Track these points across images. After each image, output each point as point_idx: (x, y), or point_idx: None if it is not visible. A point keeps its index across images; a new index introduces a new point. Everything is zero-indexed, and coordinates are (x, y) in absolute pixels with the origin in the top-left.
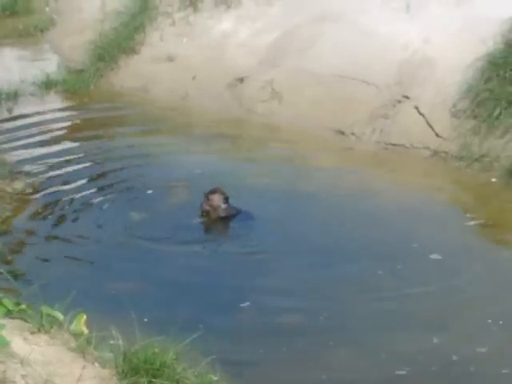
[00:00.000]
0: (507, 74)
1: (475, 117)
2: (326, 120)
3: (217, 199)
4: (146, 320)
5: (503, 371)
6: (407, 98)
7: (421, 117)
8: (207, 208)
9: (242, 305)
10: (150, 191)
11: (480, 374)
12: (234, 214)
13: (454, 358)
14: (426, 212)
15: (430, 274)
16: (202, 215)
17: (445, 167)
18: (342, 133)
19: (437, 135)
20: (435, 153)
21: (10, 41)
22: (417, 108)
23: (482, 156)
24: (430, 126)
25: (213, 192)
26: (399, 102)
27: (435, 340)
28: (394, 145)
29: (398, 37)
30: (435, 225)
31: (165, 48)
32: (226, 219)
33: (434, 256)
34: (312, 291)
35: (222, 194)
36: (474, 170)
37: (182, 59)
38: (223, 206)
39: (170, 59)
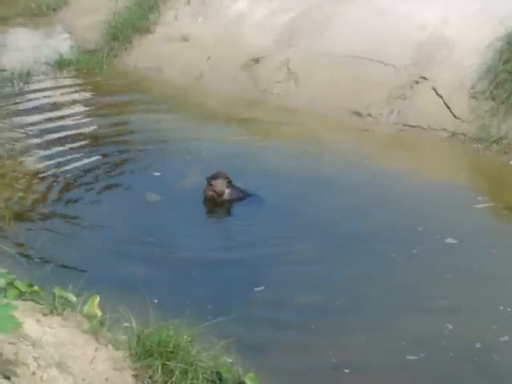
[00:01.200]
0: None
1: (494, 98)
2: (343, 101)
3: (220, 184)
4: (159, 302)
5: None
6: (425, 78)
7: (438, 98)
8: (211, 193)
9: (256, 289)
10: (157, 173)
11: (501, 361)
12: (240, 197)
13: (475, 343)
14: (443, 195)
15: (445, 258)
16: (206, 201)
17: (463, 149)
18: (359, 114)
19: (455, 117)
20: (453, 134)
21: (23, 20)
22: (434, 89)
23: (501, 138)
24: (448, 108)
25: (215, 177)
26: (417, 82)
27: (451, 324)
28: (412, 126)
29: (415, 17)
30: (452, 208)
31: (179, 28)
32: (231, 202)
33: (450, 240)
34: (325, 274)
35: (225, 177)
36: (492, 152)
37: (196, 39)
38: (227, 190)
39: (185, 39)
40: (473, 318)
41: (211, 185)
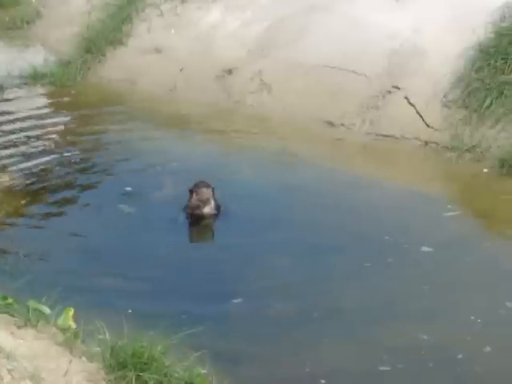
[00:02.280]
0: (498, 64)
1: (466, 107)
2: (316, 111)
3: (205, 192)
4: (133, 314)
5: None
6: (397, 88)
7: (411, 107)
8: (196, 203)
9: (232, 299)
10: (129, 186)
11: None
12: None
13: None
14: (417, 204)
15: (421, 266)
16: (191, 212)
17: (436, 158)
18: (332, 124)
19: (427, 126)
20: (426, 143)
21: None
22: (407, 98)
23: (474, 146)
24: (421, 117)
25: (200, 186)
26: (389, 92)
27: (426, 334)
28: (385, 135)
29: (387, 26)
30: (426, 216)
31: (152, 39)
32: (215, 216)
33: (425, 248)
34: (301, 285)
35: (209, 186)
36: (465, 160)
37: (169, 51)
38: (212, 200)
39: (158, 51)
40: (448, 327)
41: (197, 193)
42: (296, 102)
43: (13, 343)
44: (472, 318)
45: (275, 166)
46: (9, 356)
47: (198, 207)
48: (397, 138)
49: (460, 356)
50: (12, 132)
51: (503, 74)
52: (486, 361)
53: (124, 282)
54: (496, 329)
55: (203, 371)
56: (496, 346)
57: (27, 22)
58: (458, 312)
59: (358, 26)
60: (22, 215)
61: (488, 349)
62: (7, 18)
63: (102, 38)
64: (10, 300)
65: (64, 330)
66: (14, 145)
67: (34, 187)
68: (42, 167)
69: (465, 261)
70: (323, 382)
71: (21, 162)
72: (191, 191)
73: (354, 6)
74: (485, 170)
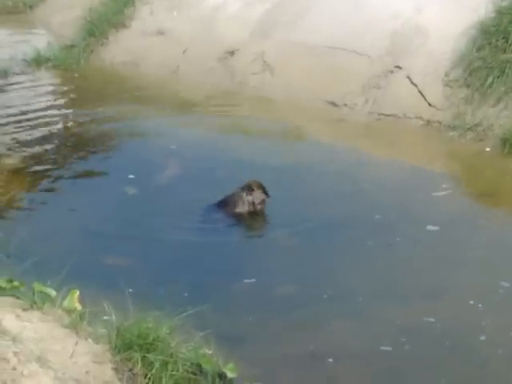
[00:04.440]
0: (499, 43)
1: (468, 86)
2: (318, 91)
3: (259, 196)
4: (139, 295)
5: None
6: (399, 68)
7: (413, 86)
8: (257, 202)
9: (235, 278)
10: (135, 166)
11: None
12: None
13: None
14: (419, 182)
15: (427, 245)
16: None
17: (438, 137)
18: (335, 104)
19: (429, 105)
20: (428, 123)
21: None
22: (409, 78)
23: (476, 125)
24: (423, 96)
25: (255, 187)
26: (391, 72)
27: (435, 312)
28: (387, 115)
29: (389, 6)
30: (429, 195)
31: (155, 22)
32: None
33: (431, 227)
34: (307, 264)
35: (266, 194)
36: (467, 139)
37: (172, 33)
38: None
39: (161, 33)
40: (455, 306)
41: (251, 195)
42: (298, 83)
43: (19, 326)
44: (478, 296)
45: (278, 147)
46: (15, 338)
47: (253, 205)
48: (399, 118)
49: (466, 336)
50: (17, 115)
51: (504, 52)
52: (494, 341)
53: (129, 262)
54: (502, 308)
55: (209, 352)
56: (503, 324)
57: (30, 7)
58: (465, 290)
59: (359, 6)
60: (27, 197)
61: (494, 328)
62: (10, 3)
63: (105, 21)
64: (15, 283)
65: (69, 311)
66: (20, 128)
67: (40, 169)
68: (46, 150)
69: (470, 239)
70: (330, 360)
71: (26, 144)
72: (245, 189)
73: None
74: (487, 149)
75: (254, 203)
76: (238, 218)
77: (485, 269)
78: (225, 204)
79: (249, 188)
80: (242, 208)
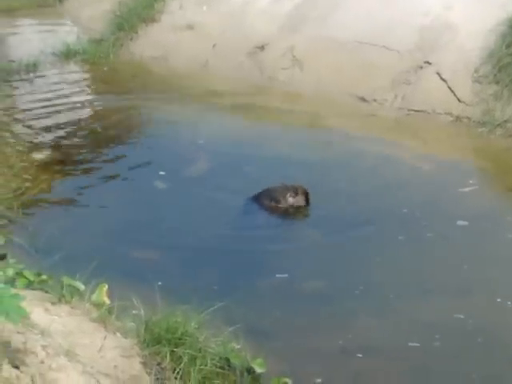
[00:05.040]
0: None
1: (497, 82)
2: (348, 87)
3: (300, 201)
4: (168, 289)
5: None
6: (429, 63)
7: (443, 82)
8: (295, 204)
9: (263, 273)
10: (165, 161)
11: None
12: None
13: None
14: (448, 178)
15: (457, 240)
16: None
17: (467, 133)
18: (364, 99)
19: (459, 101)
20: (457, 118)
21: (29, 11)
22: (438, 73)
23: (505, 121)
24: (452, 92)
25: (300, 192)
26: (421, 67)
27: (465, 309)
28: (416, 111)
29: (419, 3)
30: (459, 191)
31: (184, 16)
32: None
33: (461, 222)
34: (339, 260)
35: (308, 200)
36: (496, 135)
37: (201, 27)
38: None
39: (190, 27)
40: (485, 303)
41: (293, 197)
42: (328, 78)
43: (47, 319)
44: (509, 294)
45: (308, 142)
46: (43, 332)
47: (292, 206)
48: (428, 113)
49: (495, 334)
50: (46, 108)
51: None
52: None
53: (158, 256)
54: None
55: (237, 346)
56: None
57: (59, 0)
58: (495, 288)
59: (389, 1)
60: (55, 192)
61: None
62: None
63: (135, 15)
64: (44, 276)
65: (98, 305)
66: (49, 122)
67: (69, 163)
68: (75, 145)
69: (500, 235)
70: (360, 355)
71: (56, 139)
72: (290, 189)
73: None
74: None
75: (292, 205)
76: (274, 213)
77: None
78: (264, 196)
79: (295, 190)
80: (281, 205)
